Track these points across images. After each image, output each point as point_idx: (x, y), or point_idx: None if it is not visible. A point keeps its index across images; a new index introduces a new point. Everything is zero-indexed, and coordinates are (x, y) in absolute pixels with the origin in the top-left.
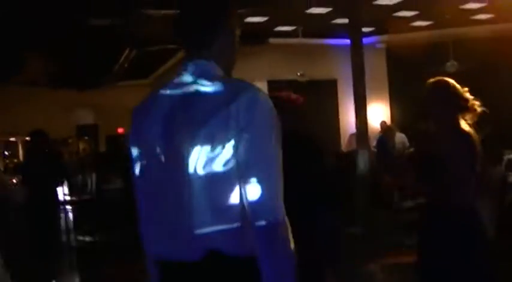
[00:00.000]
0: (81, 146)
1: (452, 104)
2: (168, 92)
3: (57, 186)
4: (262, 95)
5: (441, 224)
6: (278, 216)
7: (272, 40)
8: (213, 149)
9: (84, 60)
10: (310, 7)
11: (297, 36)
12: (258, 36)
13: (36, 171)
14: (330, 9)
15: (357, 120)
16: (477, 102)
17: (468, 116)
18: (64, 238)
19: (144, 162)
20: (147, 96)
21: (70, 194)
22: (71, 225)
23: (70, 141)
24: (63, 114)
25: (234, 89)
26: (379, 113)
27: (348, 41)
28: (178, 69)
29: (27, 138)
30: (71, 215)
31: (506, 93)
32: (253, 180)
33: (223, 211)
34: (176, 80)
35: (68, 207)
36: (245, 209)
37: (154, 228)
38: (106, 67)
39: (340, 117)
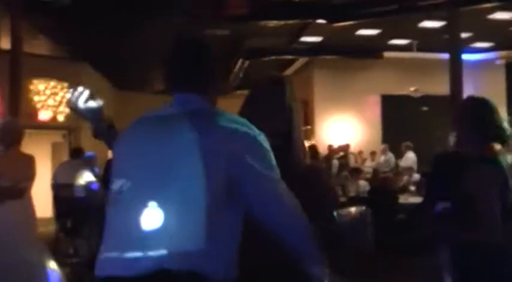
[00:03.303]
0: None
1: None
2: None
3: None
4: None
5: (474, 264)
6: None
7: (386, 54)
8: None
9: None
10: (422, 21)
11: (411, 50)
12: (371, 50)
13: None
14: (443, 23)
15: None
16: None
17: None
18: None
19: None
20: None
21: None
22: None
23: None
24: None
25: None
26: None
27: (466, 56)
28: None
29: None
30: None
31: None
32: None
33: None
34: (162, 112)
35: None
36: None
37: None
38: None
39: None
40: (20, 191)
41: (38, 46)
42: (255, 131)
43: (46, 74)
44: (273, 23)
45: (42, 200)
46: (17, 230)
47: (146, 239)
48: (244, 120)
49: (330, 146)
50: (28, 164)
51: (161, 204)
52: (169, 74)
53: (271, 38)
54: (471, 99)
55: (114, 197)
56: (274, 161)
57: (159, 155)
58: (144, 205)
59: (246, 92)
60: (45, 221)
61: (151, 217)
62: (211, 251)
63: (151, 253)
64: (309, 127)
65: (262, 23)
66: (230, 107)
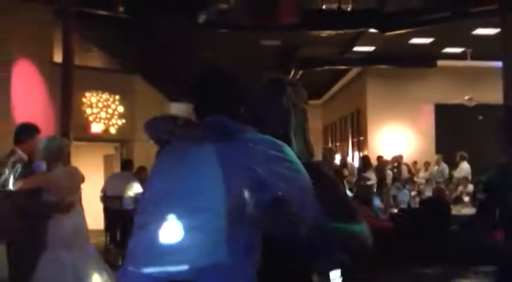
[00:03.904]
0: None
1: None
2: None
3: None
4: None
5: None
6: None
7: (440, 62)
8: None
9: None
10: (476, 28)
11: (465, 58)
12: (425, 59)
13: None
14: (497, 30)
15: None
16: None
17: None
18: None
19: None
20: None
21: None
22: None
23: None
24: None
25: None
26: None
27: None
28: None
29: None
30: None
31: None
32: None
33: None
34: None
35: None
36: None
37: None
38: None
39: None
40: (67, 206)
41: (91, 59)
42: (277, 142)
43: (98, 86)
44: (325, 33)
45: (94, 212)
46: (67, 243)
47: (165, 254)
48: (267, 136)
49: (379, 157)
50: (71, 178)
51: (180, 218)
52: (198, 100)
53: (324, 48)
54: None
55: (143, 209)
56: (301, 170)
57: (179, 170)
58: (163, 219)
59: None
60: (97, 232)
61: (170, 231)
62: (231, 267)
63: (171, 268)
64: (361, 138)
65: (315, 32)
66: None
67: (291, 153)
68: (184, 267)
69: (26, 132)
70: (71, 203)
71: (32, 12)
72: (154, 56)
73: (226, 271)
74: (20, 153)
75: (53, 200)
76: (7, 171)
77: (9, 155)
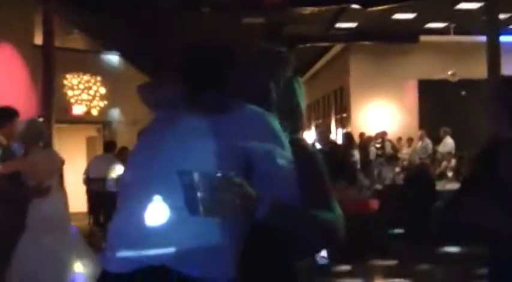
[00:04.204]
0: None
1: None
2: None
3: None
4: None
5: None
6: None
7: (423, 38)
8: None
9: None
10: (459, 3)
11: (448, 33)
12: (407, 35)
13: None
14: (480, 4)
15: None
16: None
17: None
18: None
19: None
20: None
21: None
22: None
23: None
24: None
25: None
26: None
27: (504, 38)
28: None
29: None
30: None
31: None
32: None
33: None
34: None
35: None
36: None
37: None
38: None
39: None
40: (46, 189)
41: (72, 40)
42: (265, 115)
43: (80, 68)
44: (308, 10)
45: (77, 194)
46: (47, 227)
47: (150, 236)
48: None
49: (361, 134)
50: (50, 161)
51: (166, 199)
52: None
53: (307, 25)
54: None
55: (124, 190)
56: (284, 142)
57: (168, 145)
58: (149, 199)
59: None
60: (81, 215)
61: (156, 212)
62: (219, 249)
63: (157, 250)
64: (344, 115)
65: (298, 9)
66: None
67: (278, 128)
68: (170, 249)
69: (5, 116)
70: (49, 187)
71: None
72: (135, 37)
73: (214, 253)
74: (0, 137)
75: (32, 184)
76: None
77: None
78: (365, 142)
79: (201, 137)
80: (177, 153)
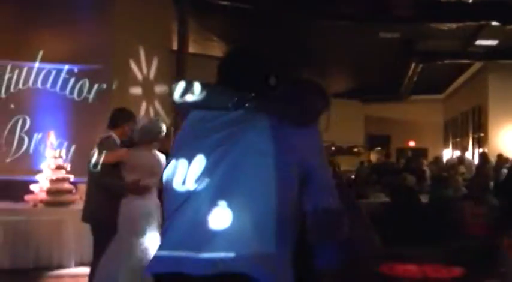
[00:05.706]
0: (373, 156)
1: None
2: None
3: None
4: None
5: None
6: None
7: None
8: None
9: (371, 74)
10: None
11: None
12: None
13: None
14: None
15: None
16: None
17: None
18: None
19: None
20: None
21: None
22: None
23: (356, 150)
24: (351, 123)
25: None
26: None
27: None
28: None
29: None
30: None
31: None
32: None
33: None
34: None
35: None
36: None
37: None
38: (393, 81)
39: None
40: (143, 188)
41: (210, 48)
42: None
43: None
44: (445, 26)
45: None
46: (137, 228)
47: (213, 239)
48: None
49: (499, 155)
50: (153, 160)
51: (230, 204)
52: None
53: (445, 41)
54: None
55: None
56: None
57: (230, 153)
58: (214, 204)
59: (421, 97)
60: None
61: (220, 217)
62: (279, 256)
63: (218, 254)
64: (482, 134)
65: (434, 25)
66: (405, 113)
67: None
68: (230, 254)
69: (123, 117)
70: (147, 186)
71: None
72: (270, 47)
73: (272, 261)
74: (114, 137)
75: (130, 179)
76: (96, 152)
77: (105, 139)
78: (500, 164)
79: (269, 143)
80: (243, 161)
